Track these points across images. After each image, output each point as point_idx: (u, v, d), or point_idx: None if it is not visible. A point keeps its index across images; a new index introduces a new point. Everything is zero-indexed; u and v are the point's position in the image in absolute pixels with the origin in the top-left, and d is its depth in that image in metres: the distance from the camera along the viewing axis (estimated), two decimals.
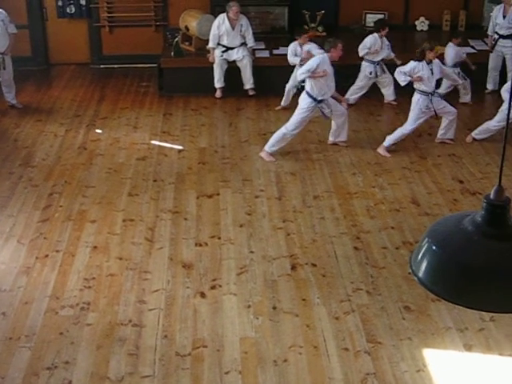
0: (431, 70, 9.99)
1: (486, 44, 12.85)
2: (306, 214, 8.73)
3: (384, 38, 11.64)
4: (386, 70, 11.75)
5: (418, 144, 10.59)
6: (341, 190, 9.34)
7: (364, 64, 11.74)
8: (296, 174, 9.77)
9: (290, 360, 6.32)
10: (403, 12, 14.15)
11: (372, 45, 11.55)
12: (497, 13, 12.26)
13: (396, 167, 9.95)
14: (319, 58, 9.95)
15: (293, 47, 11.44)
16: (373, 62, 11.66)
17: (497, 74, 12.43)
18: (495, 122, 10.35)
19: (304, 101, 10.00)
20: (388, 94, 12.03)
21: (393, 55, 11.76)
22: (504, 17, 12.11)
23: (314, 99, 9.90)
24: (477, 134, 10.61)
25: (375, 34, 11.63)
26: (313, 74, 9.80)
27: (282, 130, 10.09)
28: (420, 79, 9.93)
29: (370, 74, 11.72)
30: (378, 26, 11.76)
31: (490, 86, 12.51)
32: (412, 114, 10.17)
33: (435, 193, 9.27)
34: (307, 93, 9.96)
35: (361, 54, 11.62)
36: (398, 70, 10.15)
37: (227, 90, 12.30)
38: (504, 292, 2.70)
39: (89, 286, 7.33)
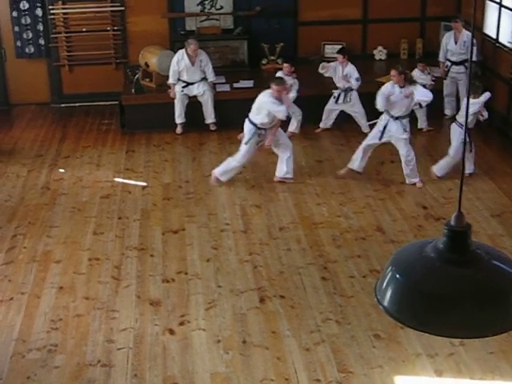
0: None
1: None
2: (272, 246, 8.74)
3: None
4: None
5: (381, 172, 10.66)
6: (306, 220, 9.37)
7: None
8: (261, 206, 9.78)
9: None
10: (361, 42, 14.31)
11: None
12: (447, 40, 12.42)
13: (360, 196, 10.01)
14: None
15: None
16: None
17: (453, 99, 12.52)
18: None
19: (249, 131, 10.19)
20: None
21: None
22: (456, 43, 12.29)
23: (255, 125, 10.10)
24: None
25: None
26: None
27: (231, 162, 10.25)
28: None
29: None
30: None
31: (448, 112, 12.57)
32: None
33: (400, 220, 9.33)
34: (250, 120, 10.17)
35: None
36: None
37: (189, 125, 12.31)
38: (468, 318, 2.71)
39: (56, 327, 7.25)
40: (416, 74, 11.71)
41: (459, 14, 12.86)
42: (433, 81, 11.94)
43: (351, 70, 11.70)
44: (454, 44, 12.29)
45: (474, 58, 11.99)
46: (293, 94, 11.27)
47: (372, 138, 10.34)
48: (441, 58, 12.59)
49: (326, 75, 11.91)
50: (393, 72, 10.17)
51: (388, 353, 6.79)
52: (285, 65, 11.63)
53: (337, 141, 11.91)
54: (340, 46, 13.72)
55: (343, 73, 11.74)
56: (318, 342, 6.95)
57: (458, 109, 12.25)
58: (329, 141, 11.89)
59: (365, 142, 10.36)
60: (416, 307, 2.78)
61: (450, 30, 13.82)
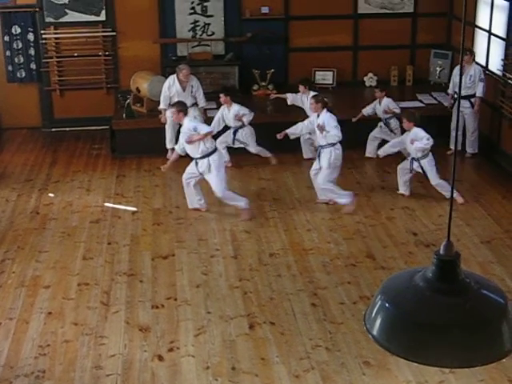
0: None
1: (435, 99, 13.05)
2: (262, 272, 8.72)
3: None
4: None
5: (371, 198, 10.68)
6: (296, 246, 9.36)
7: None
8: (251, 232, 9.77)
9: None
10: (352, 68, 14.39)
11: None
12: (456, 71, 12.33)
13: (350, 222, 10.01)
14: None
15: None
16: None
17: (459, 134, 12.21)
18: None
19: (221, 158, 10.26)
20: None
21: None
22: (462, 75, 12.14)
23: None
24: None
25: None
26: None
27: (219, 195, 10.15)
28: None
29: None
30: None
31: (453, 146, 12.30)
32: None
33: (390, 246, 9.33)
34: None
35: None
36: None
37: None
38: (457, 347, 2.71)
39: (44, 353, 7.20)
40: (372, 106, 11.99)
41: (471, 47, 12.56)
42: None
43: None
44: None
45: (480, 94, 11.92)
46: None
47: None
48: (449, 90, 12.53)
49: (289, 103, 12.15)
50: (311, 100, 10.45)
51: (378, 380, 6.76)
52: (220, 95, 11.78)
53: None
54: (331, 72, 13.86)
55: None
56: (307, 368, 6.92)
57: (463, 144, 12.20)
58: None
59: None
60: (405, 336, 2.78)
61: (439, 57, 13.94)
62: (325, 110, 10.21)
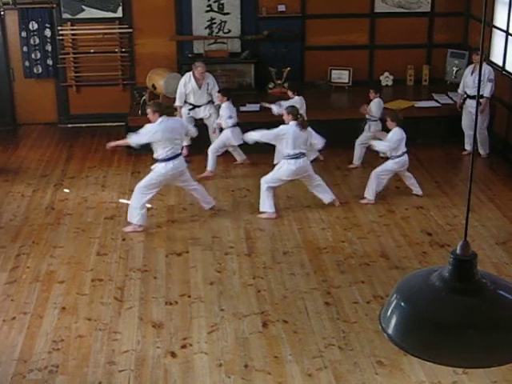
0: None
1: (452, 99, 13.01)
2: (276, 270, 8.71)
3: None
4: None
5: (386, 197, 10.65)
6: (310, 245, 9.35)
7: None
8: (265, 230, 9.77)
9: None
10: (368, 68, 14.35)
11: None
12: (467, 72, 12.25)
13: (364, 221, 9.99)
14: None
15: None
16: None
17: (472, 133, 12.20)
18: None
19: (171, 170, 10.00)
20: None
21: None
22: (471, 74, 12.08)
23: None
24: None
25: None
26: None
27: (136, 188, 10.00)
28: None
29: None
30: None
31: (468, 147, 12.35)
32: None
33: (404, 246, 9.30)
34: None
35: None
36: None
37: (195, 147, 12.32)
38: (473, 347, 2.70)
39: (57, 348, 7.22)
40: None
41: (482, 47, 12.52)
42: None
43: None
44: (470, 76, 12.09)
45: (487, 95, 11.85)
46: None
47: None
48: (459, 90, 12.45)
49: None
50: (284, 111, 10.34)
51: (391, 380, 6.75)
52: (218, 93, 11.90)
53: (342, 166, 11.92)
54: (347, 71, 13.83)
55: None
56: (320, 367, 6.91)
57: (476, 145, 12.11)
58: (334, 165, 11.89)
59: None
60: (420, 336, 2.77)
61: (456, 57, 13.89)
62: (294, 122, 10.05)
